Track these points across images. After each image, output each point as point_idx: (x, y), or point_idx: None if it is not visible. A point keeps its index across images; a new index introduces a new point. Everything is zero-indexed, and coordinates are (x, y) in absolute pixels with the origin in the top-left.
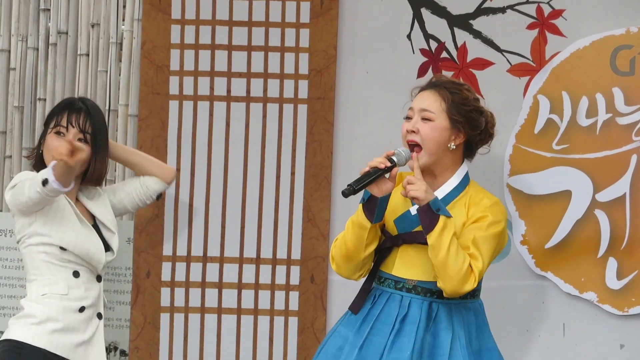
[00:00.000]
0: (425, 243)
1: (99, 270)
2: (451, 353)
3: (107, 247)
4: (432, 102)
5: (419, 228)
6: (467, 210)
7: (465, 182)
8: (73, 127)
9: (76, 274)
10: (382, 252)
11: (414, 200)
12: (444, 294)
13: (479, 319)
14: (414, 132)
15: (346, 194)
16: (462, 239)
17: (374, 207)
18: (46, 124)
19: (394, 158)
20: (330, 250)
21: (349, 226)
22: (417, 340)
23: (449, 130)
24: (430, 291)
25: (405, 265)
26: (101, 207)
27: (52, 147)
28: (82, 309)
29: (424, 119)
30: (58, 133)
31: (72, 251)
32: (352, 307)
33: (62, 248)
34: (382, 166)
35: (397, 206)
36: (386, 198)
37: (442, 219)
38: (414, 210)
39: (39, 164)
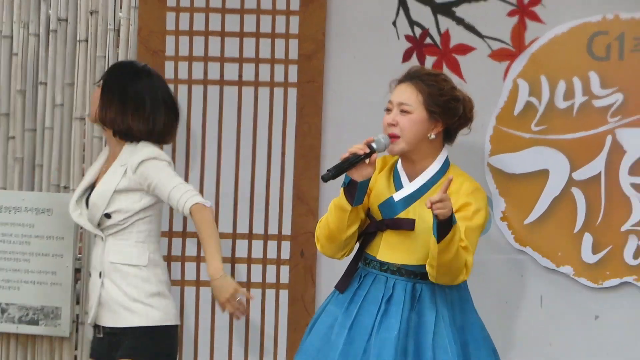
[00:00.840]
0: (408, 229)
1: (91, 230)
2: (435, 331)
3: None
4: (409, 95)
5: (401, 214)
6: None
7: (445, 167)
8: (101, 79)
9: (94, 241)
10: (368, 236)
11: (436, 215)
12: (436, 283)
13: (462, 295)
14: (393, 125)
15: (325, 178)
16: None
17: (354, 191)
18: None
19: (374, 145)
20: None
21: (332, 209)
22: (403, 320)
23: (427, 122)
24: (414, 273)
25: (389, 249)
26: (115, 174)
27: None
28: (90, 275)
29: (403, 111)
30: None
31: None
32: (338, 286)
33: None
34: (361, 152)
35: (382, 192)
36: (366, 182)
37: (453, 227)
38: (397, 196)
39: None
